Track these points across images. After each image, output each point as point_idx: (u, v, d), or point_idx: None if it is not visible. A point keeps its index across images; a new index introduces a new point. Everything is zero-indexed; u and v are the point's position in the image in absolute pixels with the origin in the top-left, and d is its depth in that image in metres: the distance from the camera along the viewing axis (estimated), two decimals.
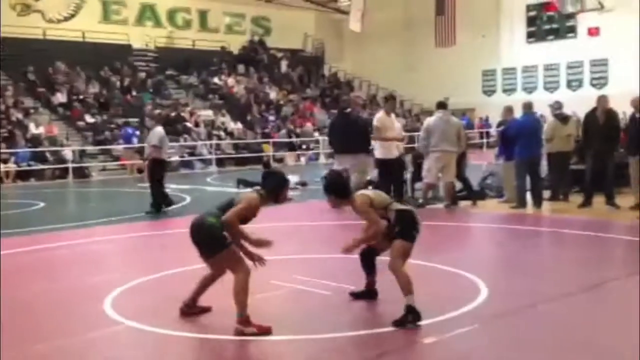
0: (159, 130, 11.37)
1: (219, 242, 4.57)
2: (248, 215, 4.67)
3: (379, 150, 11.18)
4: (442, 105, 11.08)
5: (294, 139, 25.80)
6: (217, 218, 4.60)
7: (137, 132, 22.07)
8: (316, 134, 26.55)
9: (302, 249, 7.92)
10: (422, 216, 9.65)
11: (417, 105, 32.10)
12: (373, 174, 12.11)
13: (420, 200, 10.99)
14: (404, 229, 5.00)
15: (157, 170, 11.36)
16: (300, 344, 4.46)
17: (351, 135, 11.13)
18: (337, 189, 5.05)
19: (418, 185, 11.87)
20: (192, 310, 4.91)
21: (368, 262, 5.40)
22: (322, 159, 24.86)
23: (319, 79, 33.11)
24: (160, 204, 11.37)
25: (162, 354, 4.43)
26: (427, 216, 10.08)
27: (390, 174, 11.21)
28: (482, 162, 13.72)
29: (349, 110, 12.18)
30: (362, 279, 6.47)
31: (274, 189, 4.77)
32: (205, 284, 4.91)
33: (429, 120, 11.13)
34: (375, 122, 11.07)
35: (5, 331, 4.88)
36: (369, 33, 31.19)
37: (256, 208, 4.67)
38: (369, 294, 5.43)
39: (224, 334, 4.56)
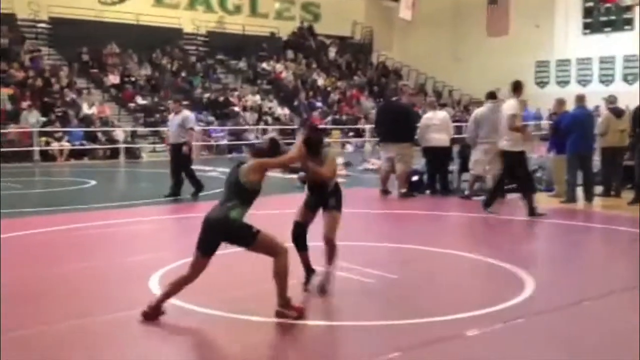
0: (190, 114, 11.48)
1: (249, 233, 4.55)
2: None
3: (509, 142, 9.35)
4: (492, 96, 10.90)
5: (340, 126, 25.77)
6: (237, 209, 4.55)
7: None
8: (362, 122, 26.49)
9: (344, 236, 7.90)
10: (468, 208, 9.55)
11: (466, 96, 31.66)
12: (419, 163, 12.05)
13: (467, 192, 10.87)
14: (338, 201, 5.43)
15: (181, 154, 11.19)
16: (341, 330, 4.48)
17: (397, 124, 11.07)
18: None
19: (464, 176, 11.75)
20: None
21: (301, 239, 5.46)
22: (368, 147, 24.79)
23: (366, 67, 32.95)
24: (183, 188, 11.26)
25: (204, 333, 4.50)
26: (473, 208, 10.01)
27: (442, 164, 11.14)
28: (532, 155, 13.48)
29: (395, 98, 12.12)
30: (406, 267, 6.46)
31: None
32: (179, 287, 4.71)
33: (478, 111, 10.97)
34: (511, 110, 9.35)
35: (54, 305, 5.03)
36: (419, 21, 30.82)
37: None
38: (308, 273, 5.40)
39: (265, 316, 4.61)
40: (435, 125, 11.27)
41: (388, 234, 8.35)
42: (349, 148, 24.80)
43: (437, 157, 11.24)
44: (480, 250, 6.87)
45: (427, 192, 11.58)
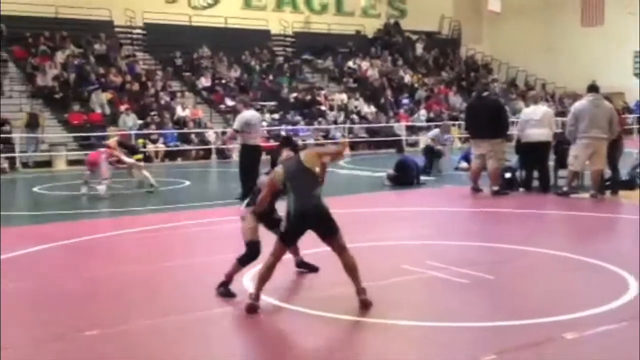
0: (242, 114, 10.83)
1: (335, 222, 4.84)
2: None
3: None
4: (593, 89, 10.44)
5: (428, 123, 25.46)
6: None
7: (276, 116, 22.76)
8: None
9: (436, 235, 7.81)
10: (565, 206, 9.20)
11: (560, 89, 30.53)
12: (511, 160, 11.73)
13: (565, 189, 10.46)
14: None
15: (245, 156, 10.77)
16: (435, 331, 4.42)
17: (488, 119, 10.81)
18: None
19: (561, 173, 11.35)
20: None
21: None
22: (457, 144, 24.36)
23: (455, 62, 32.37)
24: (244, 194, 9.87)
25: (295, 331, 4.55)
26: (572, 206, 9.65)
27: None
28: (633, 150, 12.85)
29: (486, 93, 11.84)
30: (502, 267, 6.30)
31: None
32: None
33: (577, 105, 10.54)
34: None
35: (150, 302, 5.22)
36: (509, 13, 29.96)
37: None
38: (309, 268, 5.76)
39: (358, 315, 4.61)
40: (536, 120, 10.90)
41: (481, 232, 8.17)
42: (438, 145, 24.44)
43: (536, 152, 10.87)
44: (579, 250, 6.61)
45: (521, 189, 11.25)
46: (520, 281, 5.75)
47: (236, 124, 10.89)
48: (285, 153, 5.02)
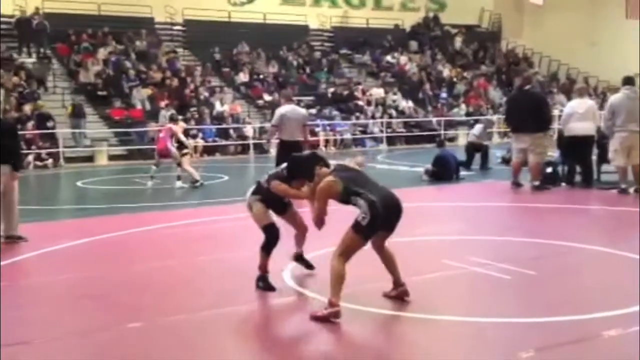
0: (279, 108, 10.78)
1: None
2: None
3: None
4: (629, 81, 10.19)
5: (467, 118, 25.20)
6: None
7: (313, 111, 22.78)
8: (490, 112, 25.75)
9: (476, 230, 7.73)
10: (608, 201, 8.97)
11: (603, 83, 29.86)
12: (552, 154, 11.54)
13: (623, 186, 10.14)
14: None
15: (279, 152, 10.65)
16: (476, 326, 4.38)
17: (529, 113, 10.63)
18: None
19: (603, 167, 11.13)
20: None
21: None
22: (496, 138, 24.07)
23: (495, 56, 31.92)
24: None
25: (338, 326, 4.55)
26: (615, 201, 9.46)
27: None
28: None
29: (527, 87, 11.65)
30: (543, 263, 6.23)
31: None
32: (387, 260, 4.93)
33: (613, 98, 10.29)
34: None
35: (187, 295, 5.27)
36: (551, 5, 29.41)
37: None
38: (305, 264, 5.70)
39: (395, 310, 4.59)
40: (580, 114, 10.69)
41: (523, 228, 8.05)
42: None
43: (580, 147, 10.66)
44: (622, 246, 6.47)
45: (563, 184, 11.06)
46: (562, 277, 5.66)
47: (273, 119, 10.87)
48: (321, 170, 4.79)
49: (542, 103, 11.09)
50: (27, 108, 18.78)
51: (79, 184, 13.69)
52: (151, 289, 5.49)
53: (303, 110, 11.27)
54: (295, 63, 26.33)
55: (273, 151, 20.97)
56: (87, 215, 9.68)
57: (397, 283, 4.85)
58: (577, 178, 11.07)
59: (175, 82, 22.53)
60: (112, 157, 19.17)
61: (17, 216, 7.37)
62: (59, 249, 6.92)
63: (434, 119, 24.79)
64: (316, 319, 4.43)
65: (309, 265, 5.67)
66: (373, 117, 23.96)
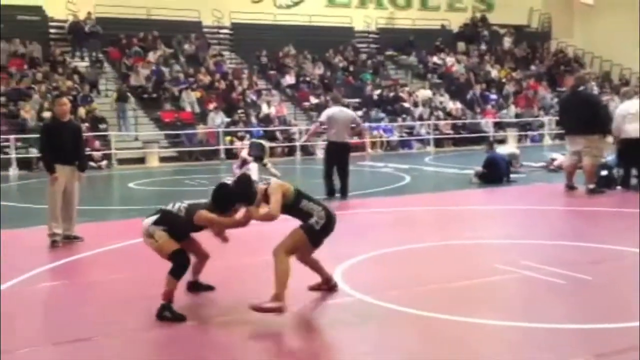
0: (327, 110, 11.00)
1: None
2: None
3: None
4: None
5: (515, 119, 24.81)
6: None
7: (359, 113, 22.73)
8: (540, 114, 25.31)
9: (529, 234, 7.60)
10: None
11: None
12: (607, 157, 11.26)
13: None
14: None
15: (326, 152, 10.87)
16: (530, 332, 4.31)
17: (584, 115, 10.40)
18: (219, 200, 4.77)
19: None
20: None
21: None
22: (547, 140, 23.65)
23: (544, 56, 31.35)
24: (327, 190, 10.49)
25: (388, 329, 4.54)
26: None
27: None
28: None
29: (581, 88, 11.41)
30: (598, 268, 6.10)
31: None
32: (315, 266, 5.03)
33: None
34: None
35: (241, 294, 5.29)
36: (602, 4, 28.74)
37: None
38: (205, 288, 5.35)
39: (455, 314, 4.55)
40: (632, 115, 10.43)
41: (577, 232, 7.88)
42: (527, 141, 23.84)
43: (634, 149, 10.39)
44: None
45: (618, 187, 10.79)
46: (618, 282, 5.52)
47: (320, 117, 11.16)
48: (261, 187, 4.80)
49: (596, 104, 10.86)
50: (81, 111, 19.27)
51: (131, 185, 13.98)
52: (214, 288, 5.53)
53: (351, 112, 11.36)
54: (341, 65, 26.35)
55: (319, 153, 21.12)
56: (140, 215, 9.84)
57: (327, 280, 5.03)
58: (634, 181, 10.79)
59: (222, 84, 22.81)
60: (162, 159, 19.51)
61: (76, 217, 7.57)
62: (114, 249, 7.07)
63: (483, 121, 24.48)
64: (259, 309, 4.45)
65: (208, 287, 5.28)
66: (420, 118, 23.79)
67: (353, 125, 10.85)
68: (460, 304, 4.83)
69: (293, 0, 28.37)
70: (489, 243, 7.03)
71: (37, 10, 23.42)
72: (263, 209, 4.68)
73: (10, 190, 14.08)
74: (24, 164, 17.37)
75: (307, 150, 20.97)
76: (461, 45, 29.73)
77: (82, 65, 22.68)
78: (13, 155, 17.31)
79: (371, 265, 6.19)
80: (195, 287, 5.24)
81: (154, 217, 4.86)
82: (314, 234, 4.64)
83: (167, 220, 4.79)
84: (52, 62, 21.80)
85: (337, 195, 10.54)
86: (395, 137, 22.72)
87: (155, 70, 22.52)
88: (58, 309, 5.10)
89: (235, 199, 4.73)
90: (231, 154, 20.01)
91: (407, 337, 4.37)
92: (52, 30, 23.91)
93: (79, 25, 23.19)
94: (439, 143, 22.99)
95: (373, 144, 21.82)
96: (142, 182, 14.32)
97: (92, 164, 17.87)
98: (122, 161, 18.94)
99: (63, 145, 7.35)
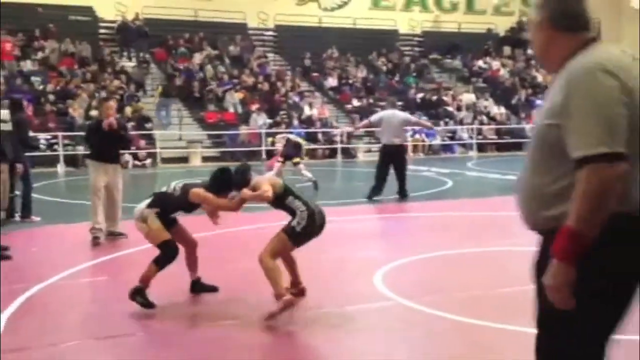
0: (381, 112, 11.74)
1: None
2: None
3: None
4: None
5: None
6: None
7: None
8: None
9: None
10: None
11: None
12: None
13: None
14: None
15: (382, 156, 11.20)
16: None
17: None
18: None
19: None
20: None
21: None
22: None
23: None
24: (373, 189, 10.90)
25: (429, 334, 4.50)
26: None
27: None
28: None
29: None
30: None
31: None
32: None
33: None
34: None
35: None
36: None
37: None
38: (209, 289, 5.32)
39: (490, 320, 4.48)
40: None
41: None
42: None
43: None
44: None
45: None
46: None
47: (373, 117, 11.79)
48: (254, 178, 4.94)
49: None
50: (127, 110, 19.64)
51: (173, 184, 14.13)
52: (244, 287, 5.58)
53: (403, 114, 11.85)
54: (384, 68, 26.27)
55: (360, 156, 21.11)
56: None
57: (296, 283, 5.03)
58: None
59: (265, 86, 22.96)
60: (205, 159, 19.74)
61: (120, 214, 7.70)
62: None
63: (527, 126, 24.09)
64: (273, 316, 4.49)
65: (212, 289, 5.28)
66: (462, 122, 23.55)
67: (406, 127, 11.59)
68: (502, 311, 4.75)
69: (337, 3, 28.40)
70: (532, 251, 6.89)
71: (88, 10, 23.96)
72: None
73: (57, 186, 14.44)
74: (71, 160, 17.79)
75: (348, 153, 20.96)
76: (507, 50, 29.33)
77: (129, 65, 23.11)
78: (61, 152, 17.73)
79: (412, 269, 6.15)
80: (198, 287, 5.27)
81: (148, 200, 5.03)
82: (295, 235, 4.71)
83: (160, 201, 4.98)
84: (101, 61, 22.28)
85: (396, 196, 10.96)
86: (437, 141, 22.53)
87: (187, 73, 22.79)
88: (100, 304, 5.19)
89: (232, 183, 4.86)
90: (272, 155, 20.15)
91: (448, 343, 4.32)
92: (101, 31, 24.43)
93: (127, 25, 23.65)
94: (481, 148, 22.72)
95: (415, 148, 21.69)
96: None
97: (136, 162, 18.25)
98: (166, 160, 19.23)
99: (106, 144, 7.50)
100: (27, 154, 9.07)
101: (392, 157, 10.91)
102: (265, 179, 4.94)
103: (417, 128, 22.05)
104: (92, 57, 22.43)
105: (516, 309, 4.77)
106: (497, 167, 17.05)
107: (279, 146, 12.77)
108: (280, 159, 12.57)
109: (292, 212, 4.75)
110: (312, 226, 4.74)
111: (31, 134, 10.37)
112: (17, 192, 8.99)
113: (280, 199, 4.77)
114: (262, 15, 26.38)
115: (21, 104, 10.03)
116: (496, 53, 28.78)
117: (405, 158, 11.31)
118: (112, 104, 8.09)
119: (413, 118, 12.87)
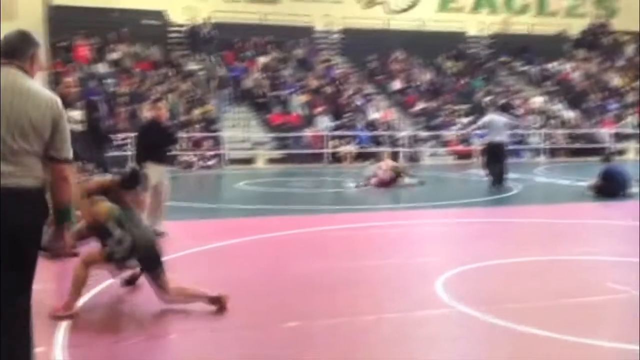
0: (487, 116, 13.99)
1: None
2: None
3: None
4: None
5: (637, 130, 23.39)
6: None
7: (468, 120, 22.29)
8: None
9: None
10: None
11: None
12: None
13: None
14: None
15: (487, 151, 13.43)
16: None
17: None
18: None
19: None
20: None
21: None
22: None
23: None
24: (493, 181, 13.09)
25: (488, 343, 4.37)
26: None
27: None
28: None
29: None
30: None
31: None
32: None
33: None
34: None
35: (352, 298, 5.27)
36: None
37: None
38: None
39: (555, 332, 4.32)
40: None
41: None
42: None
43: None
44: None
45: None
46: None
47: (480, 122, 14.27)
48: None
49: None
50: (195, 112, 20.04)
51: (240, 184, 14.29)
52: (309, 289, 5.56)
53: (504, 118, 14.02)
54: (451, 70, 25.88)
55: (427, 160, 20.86)
56: (249, 214, 10.07)
57: (213, 300, 4.86)
58: None
59: (330, 89, 22.98)
60: (270, 161, 19.92)
61: (164, 213, 7.84)
62: (218, 247, 7.23)
63: (601, 131, 23.27)
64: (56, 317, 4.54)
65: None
66: (533, 127, 22.93)
67: (508, 128, 13.67)
68: (569, 322, 4.57)
69: (403, 6, 28.16)
70: (602, 260, 6.63)
71: (160, 15, 24.57)
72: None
73: None
74: None
75: (412, 157, 20.74)
76: (580, 52, 28.42)
77: (198, 68, 23.54)
78: (130, 152, 18.23)
79: (474, 277, 6.00)
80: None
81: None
82: (112, 260, 4.81)
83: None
84: (171, 64, 22.80)
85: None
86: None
87: (234, 77, 22.99)
88: (146, 305, 5.08)
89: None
90: (336, 158, 20.16)
91: (508, 354, 4.19)
92: (171, 35, 25.01)
93: (196, 29, 24.13)
94: (553, 153, 22.06)
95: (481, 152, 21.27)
96: (252, 183, 14.59)
97: (202, 163, 18.61)
98: (232, 161, 19.51)
99: (156, 145, 7.76)
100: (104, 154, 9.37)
101: (497, 152, 12.88)
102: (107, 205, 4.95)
103: (480, 132, 21.67)
104: (162, 60, 22.98)
105: (579, 321, 4.61)
106: (566, 172, 16.55)
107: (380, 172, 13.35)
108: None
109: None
110: (130, 257, 4.79)
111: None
112: None
113: (112, 222, 4.79)
114: (328, 19, 26.43)
115: (96, 105, 10.34)
116: (569, 56, 27.93)
117: (506, 153, 13.27)
118: (162, 105, 8.45)
119: (512, 121, 15.42)
